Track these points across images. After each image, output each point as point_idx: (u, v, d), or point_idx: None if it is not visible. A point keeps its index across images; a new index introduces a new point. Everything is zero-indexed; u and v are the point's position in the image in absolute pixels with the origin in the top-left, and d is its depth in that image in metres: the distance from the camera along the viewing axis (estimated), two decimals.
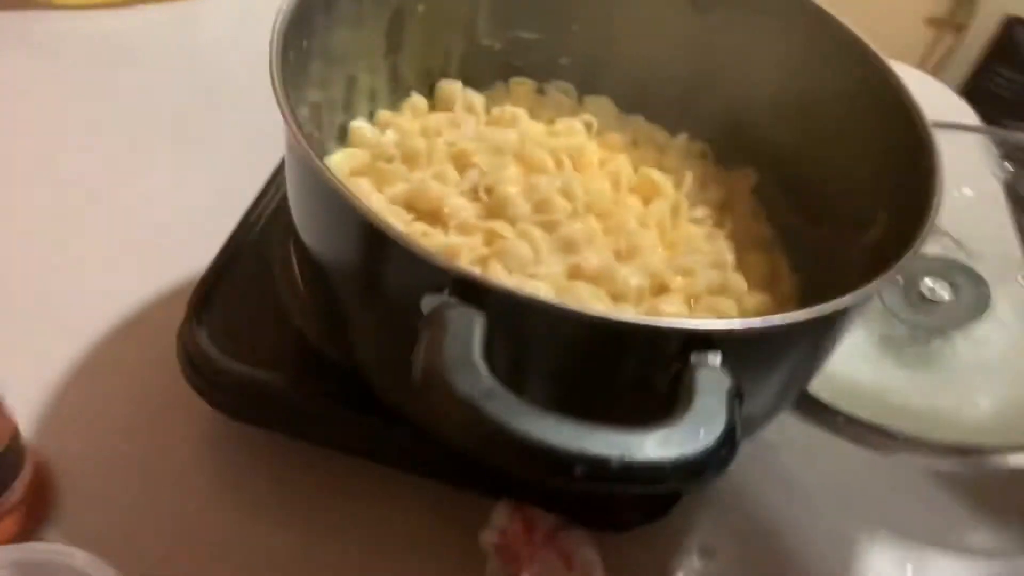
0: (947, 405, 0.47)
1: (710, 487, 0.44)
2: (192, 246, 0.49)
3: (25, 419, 0.41)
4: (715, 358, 0.27)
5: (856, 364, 0.49)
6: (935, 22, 1.59)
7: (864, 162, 0.41)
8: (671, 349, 0.27)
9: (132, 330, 0.46)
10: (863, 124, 0.41)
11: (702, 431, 0.25)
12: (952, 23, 1.58)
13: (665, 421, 0.25)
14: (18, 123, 0.56)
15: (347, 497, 0.42)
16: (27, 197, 0.52)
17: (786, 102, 0.45)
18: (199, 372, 0.40)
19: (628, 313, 0.36)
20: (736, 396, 0.26)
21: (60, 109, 0.57)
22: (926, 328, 0.50)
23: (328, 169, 0.31)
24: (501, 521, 0.39)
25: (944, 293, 0.52)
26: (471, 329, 0.26)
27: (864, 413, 0.45)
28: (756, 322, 0.29)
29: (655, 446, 0.24)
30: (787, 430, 0.47)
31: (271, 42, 0.34)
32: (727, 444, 0.25)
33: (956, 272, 0.53)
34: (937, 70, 1.59)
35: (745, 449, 0.46)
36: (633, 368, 0.29)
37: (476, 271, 0.28)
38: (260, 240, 0.44)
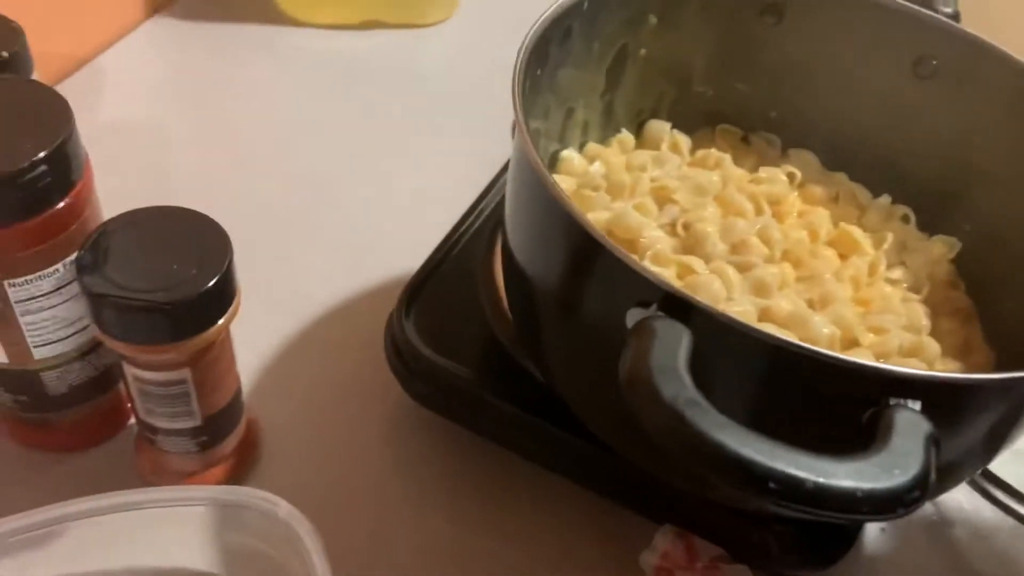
0: None
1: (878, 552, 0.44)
2: (404, 248, 0.54)
3: (244, 381, 0.46)
4: (915, 404, 0.28)
5: None
6: None
7: None
8: (871, 391, 0.28)
9: (344, 315, 0.51)
10: None
11: (897, 469, 0.26)
12: None
13: (860, 455, 0.26)
14: (261, 122, 0.63)
15: (515, 498, 0.44)
16: (264, 188, 0.58)
17: (1002, 176, 0.44)
18: (401, 358, 0.43)
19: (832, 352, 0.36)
20: (934, 442, 0.27)
21: (296, 114, 0.63)
22: None
23: (555, 184, 0.34)
24: (664, 544, 0.40)
25: None
26: (679, 341, 0.28)
27: None
28: (958, 375, 0.29)
29: (849, 475, 0.25)
30: (960, 505, 0.46)
31: (516, 65, 0.37)
32: (920, 485, 0.26)
33: None
34: None
35: (910, 517, 0.45)
36: (830, 404, 0.29)
37: (683, 290, 0.30)
38: (466, 248, 0.48)
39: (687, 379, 0.27)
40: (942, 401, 0.29)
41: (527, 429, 0.42)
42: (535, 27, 0.40)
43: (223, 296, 0.37)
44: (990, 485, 0.45)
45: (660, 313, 0.30)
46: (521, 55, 0.38)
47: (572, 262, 0.35)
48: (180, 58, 0.67)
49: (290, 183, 0.58)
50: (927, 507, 0.46)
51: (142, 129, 0.61)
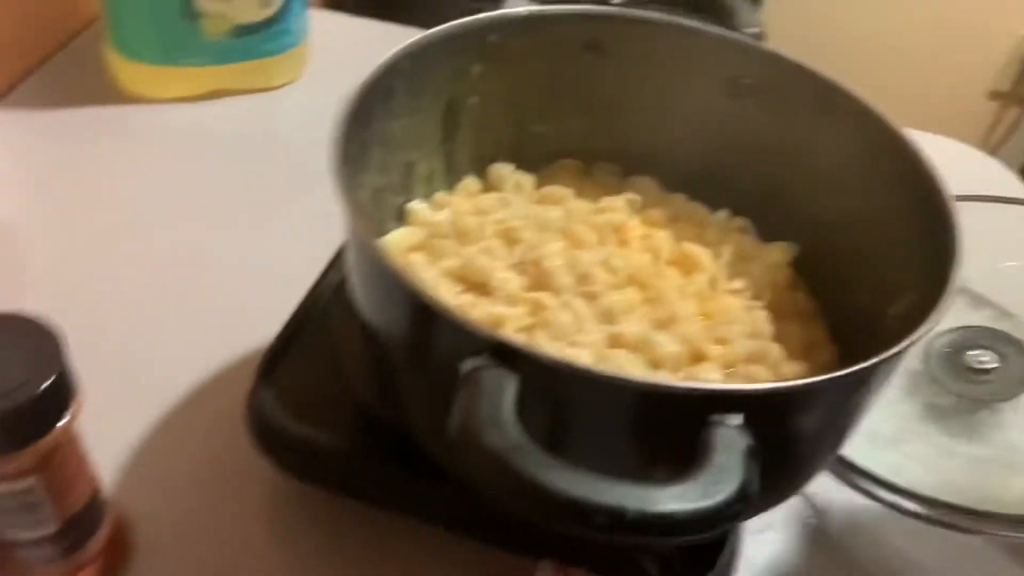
0: (993, 477, 0.47)
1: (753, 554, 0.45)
2: (264, 318, 0.53)
3: (107, 477, 0.45)
4: (735, 419, 0.29)
5: (901, 434, 0.49)
6: (998, 95, 1.58)
7: (893, 236, 0.43)
8: (692, 410, 0.29)
9: (209, 394, 0.50)
10: (891, 200, 0.43)
11: (717, 487, 0.27)
12: (1015, 96, 1.57)
13: (683, 476, 0.27)
14: (114, 202, 0.62)
15: (398, 556, 0.44)
16: (120, 272, 0.57)
17: (819, 179, 0.47)
18: (264, 434, 0.43)
19: (648, 375, 0.37)
20: (752, 455, 0.28)
21: (149, 192, 0.63)
22: (973, 398, 0.51)
23: (380, 248, 0.34)
24: None
25: (991, 363, 0.52)
26: (503, 389, 0.29)
27: (908, 483, 0.45)
28: (773, 385, 0.30)
29: (671, 500, 0.26)
30: (833, 498, 0.48)
31: (333, 134, 0.37)
32: (741, 500, 0.27)
33: (1003, 343, 0.53)
34: (1002, 142, 1.58)
35: (787, 513, 0.47)
36: (656, 428, 0.30)
37: (509, 336, 0.31)
38: (325, 310, 0.48)
39: (511, 425, 0.28)
40: (762, 411, 0.30)
41: (403, 487, 0.42)
42: (354, 92, 0.40)
43: (59, 398, 0.36)
44: (853, 474, 0.46)
45: (488, 362, 0.30)
46: (340, 120, 0.39)
47: (408, 321, 0.35)
48: (22, 150, 0.65)
49: (147, 264, 0.57)
50: (802, 504, 0.48)
51: None
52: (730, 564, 0.42)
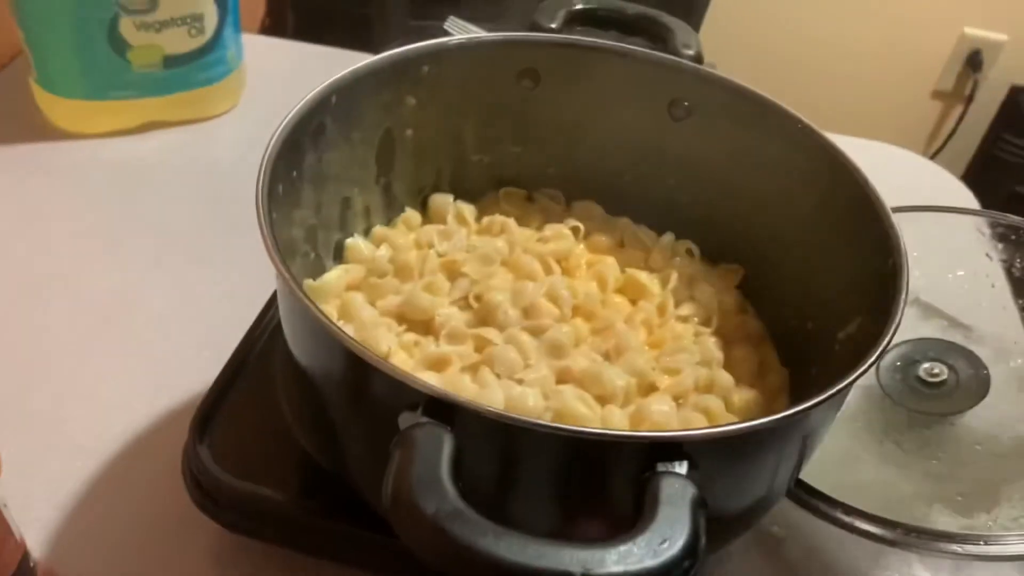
0: (949, 492, 0.46)
1: None
2: (201, 362, 0.51)
3: (36, 537, 0.43)
4: (681, 466, 0.28)
5: (855, 451, 0.49)
6: (942, 95, 1.61)
7: (837, 256, 0.42)
8: (636, 459, 0.28)
9: (142, 447, 0.48)
10: (832, 220, 0.42)
11: (664, 543, 0.26)
12: (959, 95, 1.60)
13: (629, 533, 0.26)
14: (41, 246, 0.59)
15: None
16: (46, 316, 0.54)
17: (761, 200, 0.46)
18: (202, 490, 0.41)
19: (588, 423, 0.36)
20: (700, 506, 0.27)
21: (83, 232, 0.60)
22: (926, 413, 0.50)
23: (307, 299, 0.33)
24: None
25: (943, 376, 0.52)
26: (439, 448, 0.27)
27: (865, 503, 0.44)
28: (717, 429, 0.29)
29: (617, 561, 0.25)
30: (791, 522, 0.47)
31: (258, 179, 0.36)
32: (690, 555, 0.26)
33: (955, 355, 0.53)
34: (947, 141, 1.60)
35: (747, 539, 0.46)
36: (599, 479, 0.29)
37: (442, 391, 0.29)
38: (262, 357, 0.46)
39: (450, 488, 0.26)
40: (707, 455, 0.29)
41: (347, 539, 0.41)
42: (279, 130, 0.39)
43: None
44: (808, 496, 0.46)
45: (424, 419, 0.29)
46: (264, 163, 0.37)
47: (342, 374, 0.34)
48: None
49: (80, 309, 0.55)
50: (767, 526, 0.47)
51: None
52: None
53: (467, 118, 0.48)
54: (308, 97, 0.40)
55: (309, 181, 0.43)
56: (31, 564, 0.39)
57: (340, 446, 0.37)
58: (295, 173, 0.41)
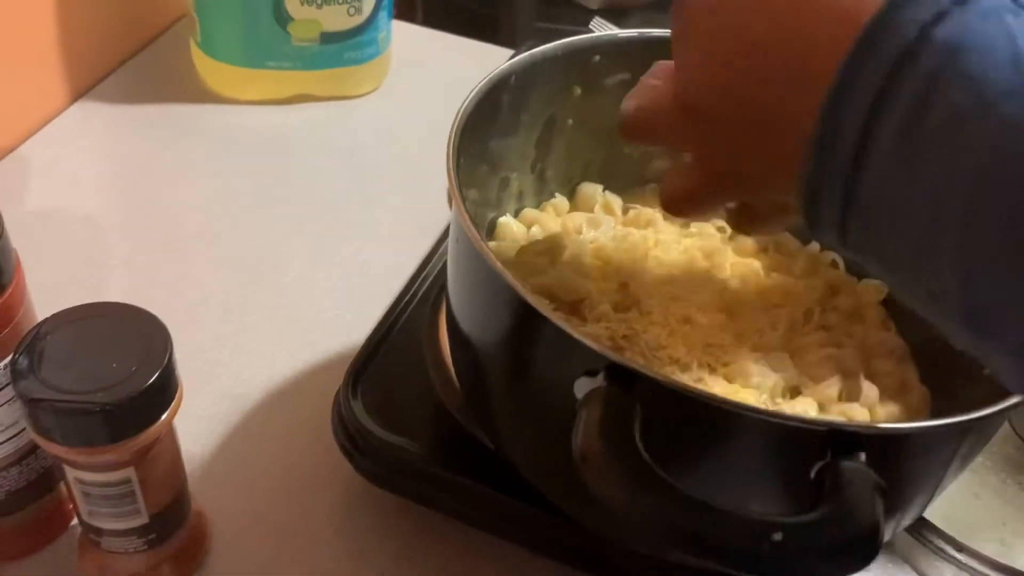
0: None
1: None
2: (347, 323, 0.53)
3: (190, 472, 0.45)
4: (860, 456, 0.29)
5: (974, 487, 0.48)
6: None
7: None
8: (817, 446, 0.29)
9: (289, 398, 0.50)
10: None
11: (848, 524, 0.26)
12: None
13: (812, 513, 0.27)
14: (193, 204, 0.62)
15: (473, 570, 0.43)
16: (199, 269, 0.57)
17: None
18: (349, 437, 0.43)
19: (777, 411, 0.37)
20: (881, 492, 0.27)
21: (230, 193, 0.63)
22: None
23: (494, 257, 0.34)
24: None
25: None
26: (628, 411, 0.28)
27: (976, 541, 0.44)
28: (901, 425, 0.30)
29: (803, 535, 0.26)
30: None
31: (449, 143, 0.38)
32: (872, 539, 0.26)
33: None
34: None
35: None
36: (778, 461, 0.30)
37: (628, 359, 0.30)
38: (410, 320, 0.48)
39: (639, 451, 0.27)
40: (885, 451, 0.29)
41: (483, 502, 0.42)
42: (467, 102, 0.40)
43: (165, 392, 0.36)
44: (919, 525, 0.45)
45: (607, 383, 0.30)
46: (454, 130, 0.39)
47: (517, 333, 0.35)
48: (106, 143, 0.66)
49: (226, 265, 0.58)
50: None
51: (71, 219, 0.60)
52: None
53: None
54: (492, 74, 0.42)
55: (479, 158, 0.44)
56: (187, 494, 0.41)
57: (498, 411, 0.39)
58: (472, 148, 0.42)
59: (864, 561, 0.26)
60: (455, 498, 0.43)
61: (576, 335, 0.31)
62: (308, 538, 0.45)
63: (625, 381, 0.30)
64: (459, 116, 0.39)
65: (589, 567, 0.42)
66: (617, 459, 0.27)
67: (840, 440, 0.28)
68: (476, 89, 0.41)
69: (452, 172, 0.36)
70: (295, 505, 0.46)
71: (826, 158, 0.26)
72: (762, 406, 0.31)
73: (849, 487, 0.27)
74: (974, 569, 0.43)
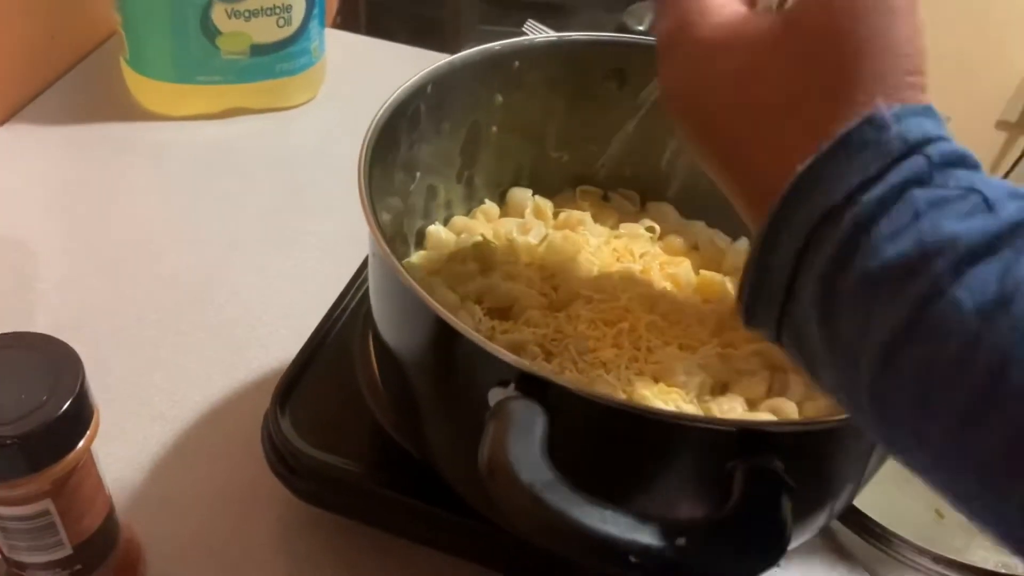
0: None
1: None
2: (278, 339, 0.53)
3: (119, 499, 0.44)
4: (769, 458, 0.29)
5: (905, 473, 0.49)
6: (1006, 126, 1.59)
7: None
8: (726, 447, 0.29)
9: (223, 417, 0.49)
10: None
11: (753, 527, 0.26)
12: (1022, 126, 1.58)
13: (718, 516, 0.27)
14: (127, 223, 0.61)
15: None
16: (134, 289, 0.56)
17: None
18: (280, 458, 0.42)
19: (686, 411, 0.37)
20: (789, 494, 0.27)
21: (165, 210, 0.62)
22: None
23: (405, 273, 0.34)
24: None
25: None
26: (534, 422, 0.28)
27: (903, 527, 0.44)
28: (810, 421, 0.30)
29: (707, 539, 0.26)
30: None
31: (360, 157, 0.37)
32: (778, 539, 0.26)
33: None
34: (1012, 170, 1.58)
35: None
36: (692, 463, 0.30)
37: (540, 368, 0.30)
38: (342, 335, 0.47)
39: (544, 461, 0.27)
40: (799, 448, 0.29)
41: (419, 516, 0.42)
42: (380, 113, 0.40)
43: (78, 420, 0.35)
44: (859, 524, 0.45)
45: (517, 393, 0.30)
46: (366, 142, 0.38)
47: (433, 347, 0.35)
48: (37, 165, 0.65)
49: (162, 284, 0.57)
50: None
51: (2, 243, 0.59)
52: None
53: (551, 116, 0.49)
54: (407, 83, 0.41)
55: (400, 167, 0.44)
56: (116, 520, 0.41)
57: (422, 423, 0.38)
58: (389, 158, 0.42)
59: (771, 561, 0.26)
60: (391, 514, 0.42)
61: (486, 346, 0.31)
62: (246, 560, 0.44)
63: (536, 390, 0.30)
64: (372, 127, 0.39)
65: (525, 574, 0.42)
66: (520, 471, 0.27)
67: (750, 440, 0.28)
68: (390, 100, 0.41)
69: (363, 184, 0.36)
70: (232, 527, 0.45)
71: (760, 291, 0.27)
72: (673, 408, 0.31)
73: (755, 487, 0.27)
74: (904, 556, 0.44)
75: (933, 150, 0.24)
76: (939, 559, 0.43)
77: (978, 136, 1.60)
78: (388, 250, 0.34)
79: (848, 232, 0.24)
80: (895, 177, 0.24)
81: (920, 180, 0.24)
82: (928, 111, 0.25)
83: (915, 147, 0.24)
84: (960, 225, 0.23)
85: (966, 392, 0.22)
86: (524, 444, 0.27)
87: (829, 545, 0.47)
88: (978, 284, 0.22)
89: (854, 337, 0.24)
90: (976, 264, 0.22)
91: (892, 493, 0.46)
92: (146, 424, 0.49)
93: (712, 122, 0.29)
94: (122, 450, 0.47)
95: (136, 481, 0.46)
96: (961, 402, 0.22)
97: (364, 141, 0.38)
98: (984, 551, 0.45)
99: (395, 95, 0.41)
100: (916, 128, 0.25)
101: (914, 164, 0.24)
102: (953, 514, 0.45)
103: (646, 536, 0.26)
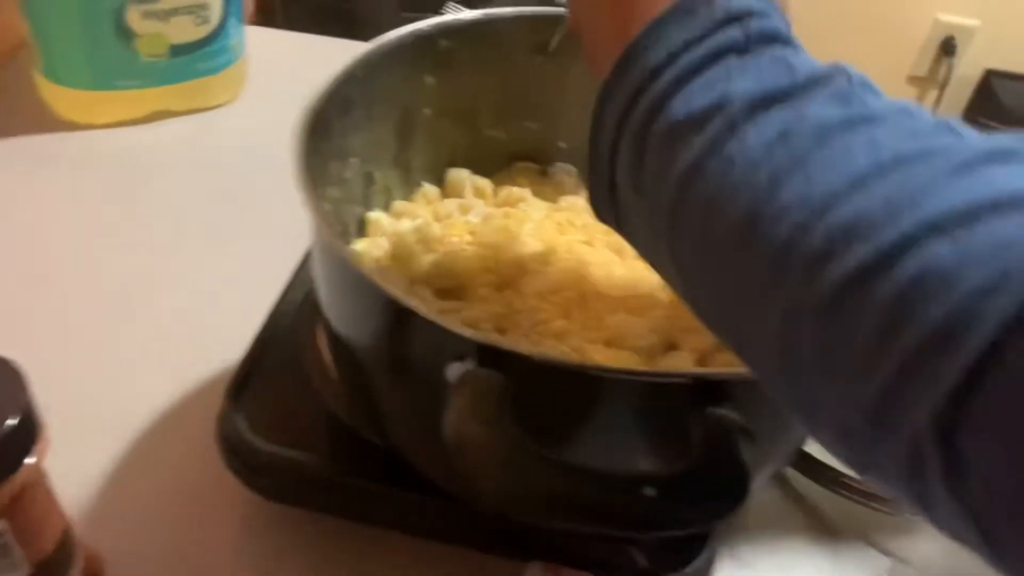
0: None
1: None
2: (224, 339, 0.52)
3: (76, 514, 0.43)
4: (727, 405, 0.29)
5: None
6: (917, 80, 1.64)
7: None
8: (684, 398, 0.30)
9: (175, 421, 0.48)
10: None
11: (717, 472, 0.27)
12: (934, 80, 1.63)
13: (682, 466, 0.27)
14: (57, 236, 0.59)
15: (385, 569, 0.43)
16: (71, 302, 0.55)
17: None
18: (238, 457, 0.42)
19: (641, 368, 0.38)
20: (748, 437, 0.28)
21: (96, 220, 0.61)
22: None
23: (353, 256, 0.34)
24: None
25: None
26: (494, 389, 0.28)
27: None
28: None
29: (672, 489, 0.26)
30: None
31: (295, 147, 0.37)
32: (740, 483, 0.27)
33: None
34: None
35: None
36: (653, 418, 0.31)
37: (494, 338, 0.31)
38: (289, 329, 0.47)
39: (509, 428, 0.28)
40: (752, 395, 0.30)
41: (382, 500, 0.42)
42: (310, 103, 0.40)
43: (25, 437, 0.34)
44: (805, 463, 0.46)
45: (476, 365, 0.30)
46: (300, 131, 0.38)
47: (388, 330, 0.35)
48: None
49: (99, 294, 0.56)
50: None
51: None
52: (712, 555, 0.43)
53: (483, 94, 0.50)
54: (337, 71, 0.41)
55: (335, 156, 0.44)
56: (73, 538, 0.40)
57: (380, 407, 0.38)
58: (323, 147, 0.42)
59: (734, 504, 0.27)
60: (355, 501, 0.42)
61: (441, 323, 0.31)
62: (214, 564, 0.43)
63: (494, 361, 0.30)
64: (304, 117, 0.39)
65: (496, 548, 0.42)
66: (488, 439, 0.27)
67: (704, 390, 0.29)
68: (321, 88, 0.40)
69: (301, 174, 0.36)
70: (196, 532, 0.44)
71: (595, 176, 0.30)
72: (622, 368, 0.32)
73: (714, 435, 0.28)
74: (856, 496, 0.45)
75: (754, 24, 0.26)
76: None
77: (889, 91, 1.64)
78: (336, 238, 0.34)
79: (664, 88, 0.26)
80: (713, 43, 0.26)
81: (738, 49, 0.26)
82: None
83: (737, 17, 0.26)
84: (762, 82, 0.25)
85: (742, 210, 0.24)
86: (489, 412, 0.28)
87: (785, 492, 0.48)
88: (766, 123, 0.25)
89: (658, 180, 0.27)
90: (769, 109, 0.25)
91: None
92: (96, 437, 0.47)
93: (587, 31, 0.32)
94: (75, 466, 0.45)
95: (92, 496, 0.45)
96: (738, 219, 0.24)
97: (297, 131, 0.38)
98: None
99: (325, 83, 0.41)
100: (742, 2, 0.27)
101: (734, 32, 0.26)
102: None
103: (614, 489, 0.26)
